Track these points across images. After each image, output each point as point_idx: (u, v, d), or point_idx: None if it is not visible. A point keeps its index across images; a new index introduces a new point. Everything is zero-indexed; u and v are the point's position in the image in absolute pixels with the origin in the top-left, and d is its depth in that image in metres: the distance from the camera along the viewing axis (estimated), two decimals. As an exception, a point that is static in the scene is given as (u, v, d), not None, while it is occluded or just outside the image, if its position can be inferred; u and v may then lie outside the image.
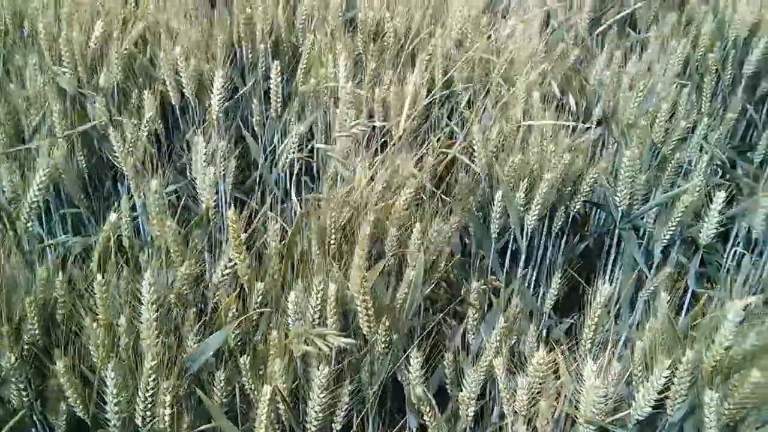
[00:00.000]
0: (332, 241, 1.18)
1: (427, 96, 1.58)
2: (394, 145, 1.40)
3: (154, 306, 0.97)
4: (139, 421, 0.95)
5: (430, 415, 1.03)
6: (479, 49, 1.63)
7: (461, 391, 1.03)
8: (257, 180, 1.54)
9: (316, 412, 0.98)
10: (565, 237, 1.47)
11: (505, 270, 1.41)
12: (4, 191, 1.24)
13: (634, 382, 0.98)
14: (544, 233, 1.44)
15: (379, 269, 1.09)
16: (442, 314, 1.25)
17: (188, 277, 1.09)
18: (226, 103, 1.46)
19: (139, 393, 0.94)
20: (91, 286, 1.01)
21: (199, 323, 1.05)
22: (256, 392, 1.02)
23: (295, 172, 1.52)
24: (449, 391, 1.12)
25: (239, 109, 1.66)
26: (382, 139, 1.48)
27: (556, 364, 0.98)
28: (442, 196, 1.38)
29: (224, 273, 1.10)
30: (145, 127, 1.43)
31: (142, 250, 1.17)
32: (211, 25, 1.65)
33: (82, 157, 1.48)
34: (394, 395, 1.18)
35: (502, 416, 1.01)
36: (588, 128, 1.63)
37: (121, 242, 1.20)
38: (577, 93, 1.70)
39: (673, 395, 0.92)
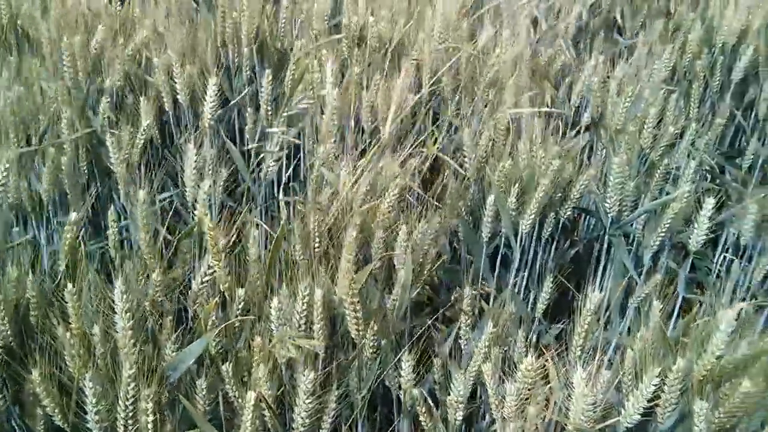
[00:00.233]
0: (317, 246, 1.17)
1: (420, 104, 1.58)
2: (377, 146, 1.39)
3: (128, 314, 0.96)
4: (121, 430, 0.93)
5: (426, 416, 1.02)
6: (464, 53, 1.63)
7: (450, 395, 1.02)
8: (248, 187, 1.52)
9: (302, 418, 0.97)
10: (555, 243, 1.46)
11: (495, 275, 1.40)
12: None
13: (624, 390, 0.97)
14: (534, 239, 1.43)
15: (367, 272, 1.08)
16: (431, 319, 1.24)
17: (162, 284, 1.07)
18: (219, 111, 1.45)
19: (120, 401, 0.92)
20: (62, 293, 0.99)
21: (179, 331, 1.03)
22: (240, 399, 1.00)
23: (284, 180, 1.51)
24: (438, 396, 1.11)
25: (227, 115, 1.65)
26: (368, 143, 1.47)
27: (546, 370, 0.97)
28: (430, 200, 1.38)
29: (204, 280, 1.09)
30: (142, 135, 1.41)
31: (127, 259, 1.16)
32: (195, 29, 1.64)
33: (84, 163, 1.47)
34: (383, 401, 1.17)
35: (492, 422, 1.00)
36: (577, 134, 1.63)
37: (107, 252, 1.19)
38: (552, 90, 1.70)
39: (663, 403, 0.91)
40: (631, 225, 1.39)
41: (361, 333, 1.03)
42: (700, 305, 1.33)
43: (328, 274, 1.05)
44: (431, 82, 1.58)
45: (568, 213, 1.40)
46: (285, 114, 1.53)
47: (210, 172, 1.35)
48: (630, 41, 2.07)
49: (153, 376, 0.93)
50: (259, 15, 1.62)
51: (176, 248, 1.15)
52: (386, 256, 1.14)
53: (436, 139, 1.54)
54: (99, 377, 0.93)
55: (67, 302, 0.98)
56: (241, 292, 1.05)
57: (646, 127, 1.51)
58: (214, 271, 1.07)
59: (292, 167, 1.54)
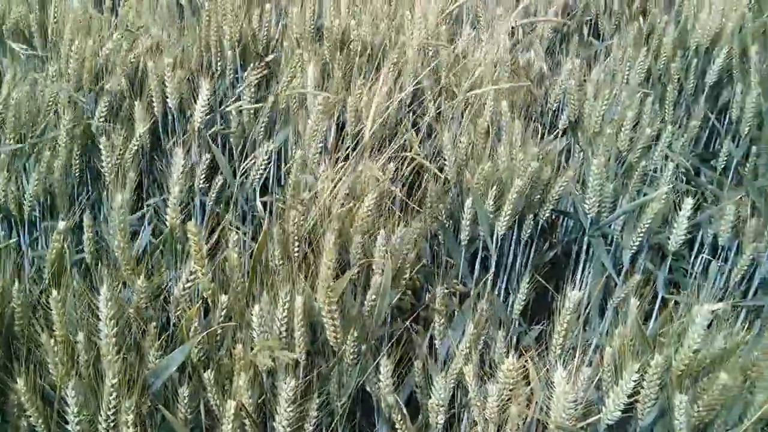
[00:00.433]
0: (296, 250, 1.17)
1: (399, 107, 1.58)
2: (355, 150, 1.39)
3: (113, 321, 0.95)
4: (102, 440, 0.93)
5: (401, 423, 1.02)
6: (444, 57, 1.64)
7: (431, 398, 1.02)
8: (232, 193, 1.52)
9: (283, 426, 0.96)
10: (533, 244, 1.47)
11: (474, 278, 1.41)
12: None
13: (604, 387, 0.97)
14: (513, 241, 1.44)
15: (346, 279, 1.08)
16: (408, 321, 1.24)
17: (146, 290, 1.07)
18: (208, 116, 1.45)
19: (101, 412, 0.92)
20: (47, 300, 0.99)
21: (162, 338, 1.03)
22: (221, 408, 1.00)
23: (271, 183, 1.51)
24: (419, 400, 1.11)
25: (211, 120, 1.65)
26: (348, 147, 1.47)
27: (526, 370, 0.97)
28: (411, 204, 1.38)
29: (186, 287, 1.09)
30: (137, 141, 1.41)
31: (103, 265, 1.15)
32: (182, 34, 1.64)
33: (76, 167, 1.46)
34: (364, 407, 1.17)
35: (474, 424, 1.00)
36: (555, 137, 1.64)
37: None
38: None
39: (642, 399, 0.92)
40: (610, 226, 1.40)
41: (339, 340, 1.03)
42: (677, 303, 1.35)
43: (308, 281, 1.05)
44: (412, 85, 1.59)
45: (547, 215, 1.41)
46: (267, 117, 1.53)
47: (200, 176, 1.35)
48: (605, 44, 2.09)
49: (135, 385, 0.92)
50: (242, 19, 1.62)
51: (153, 254, 1.15)
52: (365, 262, 1.14)
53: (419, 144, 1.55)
54: (82, 386, 0.92)
55: (51, 309, 0.97)
56: (224, 298, 1.05)
57: (623, 129, 1.52)
58: (197, 277, 1.07)
59: (275, 171, 1.54)
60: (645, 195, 1.45)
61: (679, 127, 1.80)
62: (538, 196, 1.39)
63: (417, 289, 1.43)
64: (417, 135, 1.56)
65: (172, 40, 1.61)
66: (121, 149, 1.40)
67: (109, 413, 0.92)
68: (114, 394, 0.91)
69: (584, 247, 1.42)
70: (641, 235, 1.33)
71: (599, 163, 1.32)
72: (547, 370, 0.94)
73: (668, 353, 0.93)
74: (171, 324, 1.10)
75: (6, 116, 1.38)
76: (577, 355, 0.95)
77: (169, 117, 1.54)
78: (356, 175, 1.26)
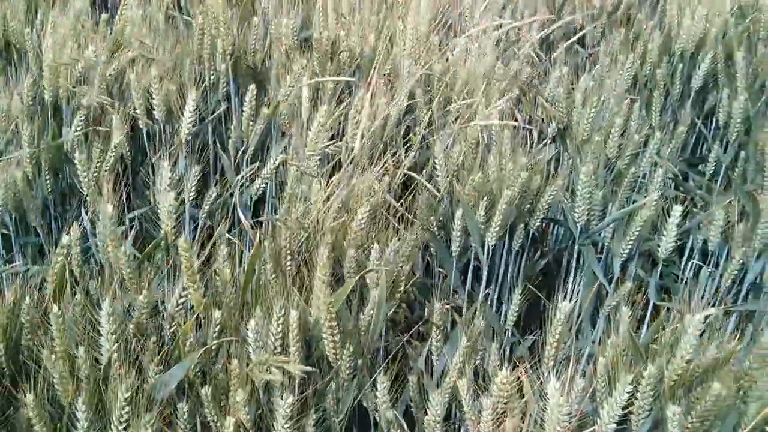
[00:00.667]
0: (289, 264, 1.17)
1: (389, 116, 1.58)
2: (349, 164, 1.40)
3: (114, 336, 0.96)
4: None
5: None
6: (434, 68, 1.64)
7: (427, 414, 1.02)
8: (222, 204, 1.52)
9: (281, 442, 0.97)
10: (524, 254, 1.48)
11: (467, 289, 1.41)
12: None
13: (598, 398, 0.98)
14: (504, 251, 1.44)
15: (345, 293, 1.08)
16: (407, 336, 1.24)
17: (147, 305, 1.07)
18: (195, 128, 1.45)
19: (112, 427, 0.93)
20: (46, 316, 0.99)
21: (161, 354, 1.03)
22: (218, 424, 1.00)
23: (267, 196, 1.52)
24: (415, 415, 1.11)
25: (202, 131, 1.65)
26: (335, 161, 1.47)
27: (520, 382, 0.98)
28: (405, 215, 1.38)
29: (179, 302, 1.09)
30: (112, 152, 1.40)
31: (93, 278, 1.15)
32: (174, 46, 1.65)
33: (47, 181, 1.45)
34: (360, 422, 1.17)
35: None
36: (544, 145, 1.65)
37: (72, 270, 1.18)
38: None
39: (636, 410, 0.93)
40: (600, 234, 1.41)
41: (338, 355, 1.03)
42: (668, 311, 1.36)
43: (303, 295, 1.06)
44: (403, 96, 1.60)
45: (537, 224, 1.41)
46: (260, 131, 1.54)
47: (190, 188, 1.35)
48: (591, 51, 2.10)
49: (148, 400, 0.93)
50: (235, 32, 1.62)
51: (140, 266, 1.15)
52: (362, 275, 1.14)
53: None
54: (90, 401, 0.93)
55: (51, 325, 0.98)
56: (217, 314, 1.05)
57: (611, 136, 1.53)
58: (189, 294, 1.07)
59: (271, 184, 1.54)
60: (634, 202, 1.46)
61: (666, 133, 1.81)
62: (529, 206, 1.40)
63: (411, 301, 1.44)
64: (409, 147, 1.57)
65: (164, 52, 1.61)
66: (98, 162, 1.39)
67: (120, 428, 0.92)
68: (126, 409, 0.92)
69: (575, 256, 1.43)
70: (631, 242, 1.34)
71: (588, 171, 1.33)
72: (541, 382, 0.94)
73: (661, 363, 0.93)
74: (164, 339, 1.10)
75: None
76: (570, 366, 0.95)
77: (150, 130, 1.54)
78: (350, 189, 1.26)
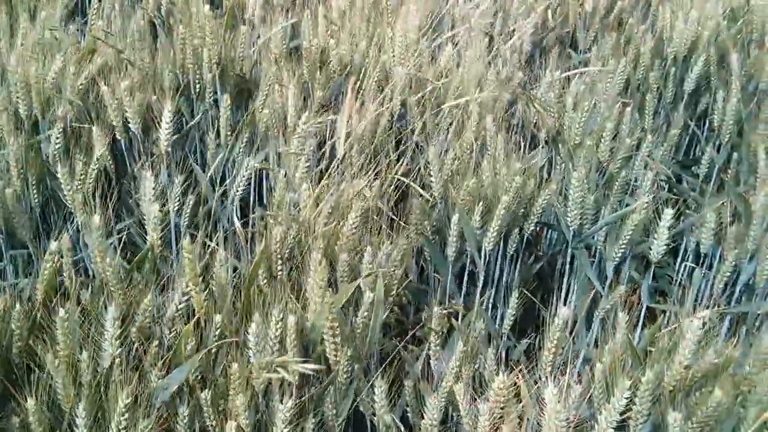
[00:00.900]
0: (280, 268, 1.17)
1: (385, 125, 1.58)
2: (339, 167, 1.40)
3: (118, 341, 0.95)
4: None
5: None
6: (426, 73, 1.64)
7: (423, 419, 1.02)
8: (208, 214, 1.51)
9: (280, 447, 0.97)
10: (519, 258, 1.48)
11: (462, 293, 1.41)
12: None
13: (595, 404, 0.98)
14: (499, 255, 1.44)
15: (345, 296, 1.08)
16: (403, 341, 1.24)
17: (151, 310, 1.07)
18: (175, 137, 1.44)
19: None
20: (47, 321, 0.99)
21: (163, 359, 1.03)
22: (218, 428, 1.00)
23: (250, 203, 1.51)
24: (411, 420, 1.11)
25: (188, 141, 1.64)
26: (325, 166, 1.47)
27: (517, 387, 0.98)
28: (397, 220, 1.38)
29: (179, 307, 1.09)
30: (95, 164, 1.40)
31: (84, 288, 1.15)
32: (154, 56, 1.64)
33: (34, 196, 1.45)
34: (356, 427, 1.17)
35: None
36: (536, 150, 1.65)
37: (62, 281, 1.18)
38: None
39: (635, 416, 0.93)
40: (593, 237, 1.41)
41: (338, 357, 1.03)
42: (664, 314, 1.36)
43: (300, 302, 1.06)
44: (393, 102, 1.60)
45: (532, 228, 1.42)
46: (246, 139, 1.53)
47: (174, 198, 1.34)
48: (584, 56, 2.11)
49: (147, 404, 0.92)
50: (220, 40, 1.62)
51: (130, 275, 1.15)
52: (362, 279, 1.14)
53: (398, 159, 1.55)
54: (90, 406, 0.92)
55: (57, 329, 0.98)
56: (218, 318, 1.05)
57: (603, 140, 1.53)
58: (190, 297, 1.07)
59: (255, 190, 1.54)
60: (627, 205, 1.47)
61: (659, 135, 1.82)
62: (523, 210, 1.40)
63: (404, 305, 1.44)
64: (403, 152, 1.57)
65: (143, 61, 1.60)
66: (81, 175, 1.38)
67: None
68: (125, 414, 0.92)
69: (569, 259, 1.43)
70: (624, 245, 1.34)
71: (580, 176, 1.33)
72: (538, 387, 0.94)
73: (659, 369, 0.93)
74: (165, 343, 1.10)
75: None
76: (567, 371, 0.95)
77: (127, 141, 1.54)
78: (339, 194, 1.26)
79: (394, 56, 1.67)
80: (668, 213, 1.26)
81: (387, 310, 1.21)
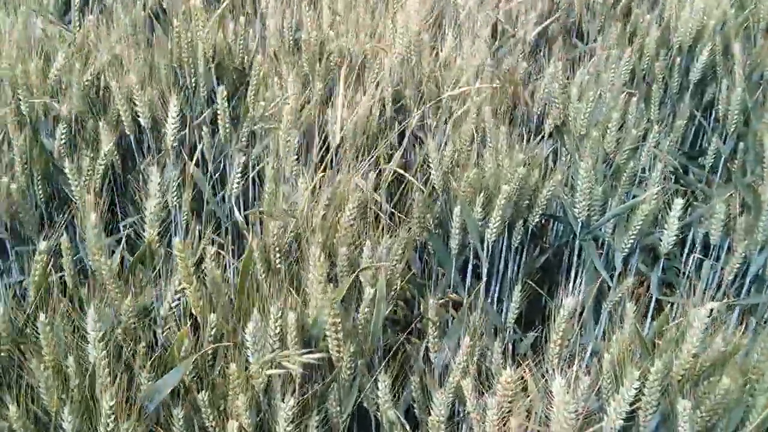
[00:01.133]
0: (279, 263, 1.15)
1: (380, 115, 1.57)
2: (333, 159, 1.38)
3: (102, 344, 0.93)
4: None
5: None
6: (426, 65, 1.62)
7: (429, 414, 1.00)
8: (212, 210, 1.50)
9: (283, 446, 0.95)
10: (524, 250, 1.46)
11: (466, 287, 1.39)
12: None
13: (604, 395, 0.96)
14: (503, 247, 1.42)
15: (344, 289, 1.06)
16: (405, 334, 1.22)
17: (134, 310, 1.05)
18: (182, 132, 1.42)
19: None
20: (33, 324, 0.97)
21: (152, 359, 1.01)
22: (218, 429, 0.98)
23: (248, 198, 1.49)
24: (417, 414, 1.09)
25: (186, 136, 1.62)
26: (327, 157, 1.45)
27: (524, 381, 0.96)
28: (398, 213, 1.37)
29: (172, 305, 1.07)
30: (102, 160, 1.38)
31: (83, 286, 1.13)
32: (151, 49, 1.62)
33: (39, 191, 1.43)
34: (360, 423, 1.15)
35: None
36: (540, 140, 1.63)
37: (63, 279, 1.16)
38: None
39: (644, 406, 0.91)
40: (601, 229, 1.39)
41: (341, 353, 1.01)
42: (672, 306, 1.34)
43: (300, 296, 1.04)
44: (387, 93, 1.58)
45: (537, 220, 1.40)
46: (246, 131, 1.51)
47: (174, 194, 1.32)
48: (589, 46, 2.08)
49: (133, 408, 0.90)
50: (215, 34, 1.60)
51: (132, 271, 1.13)
52: (358, 272, 1.12)
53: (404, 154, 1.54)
54: (76, 410, 0.91)
55: (39, 334, 0.95)
56: (213, 317, 1.03)
57: (609, 131, 1.51)
58: (182, 296, 1.05)
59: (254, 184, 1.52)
60: (634, 196, 1.45)
61: (665, 125, 1.80)
62: (527, 202, 1.38)
63: (409, 299, 1.42)
64: (400, 143, 1.56)
65: (138, 57, 1.58)
66: (88, 170, 1.37)
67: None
68: (112, 417, 0.90)
69: (576, 251, 1.41)
70: (633, 237, 1.32)
71: (587, 167, 1.31)
72: (546, 380, 0.92)
73: (667, 358, 0.92)
74: (159, 343, 1.08)
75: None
76: (575, 363, 0.93)
77: (134, 136, 1.52)
78: (335, 186, 1.24)
79: (394, 47, 1.64)
80: (678, 203, 1.24)
81: (390, 305, 1.19)
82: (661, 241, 1.27)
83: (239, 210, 1.42)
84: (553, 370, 0.98)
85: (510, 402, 0.93)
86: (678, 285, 1.53)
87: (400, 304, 1.39)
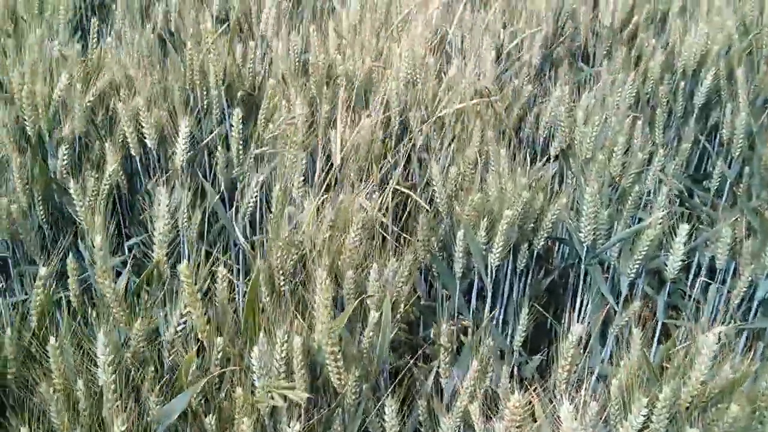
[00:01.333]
0: (283, 286, 1.15)
1: (384, 136, 1.57)
2: (339, 180, 1.38)
3: (111, 367, 0.93)
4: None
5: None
6: (430, 88, 1.63)
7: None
8: (219, 230, 1.50)
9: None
10: (529, 273, 1.46)
11: (471, 310, 1.39)
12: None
13: (611, 421, 0.96)
14: (509, 271, 1.42)
15: (344, 319, 1.06)
16: (413, 358, 1.22)
17: (143, 333, 1.05)
18: (190, 153, 1.43)
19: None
20: (41, 346, 0.97)
21: (161, 383, 1.01)
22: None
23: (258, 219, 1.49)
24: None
25: (197, 156, 1.63)
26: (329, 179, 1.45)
27: (532, 405, 0.95)
28: (403, 234, 1.37)
29: (178, 329, 1.06)
30: (107, 180, 1.38)
31: (90, 306, 1.13)
32: (164, 72, 1.63)
33: (41, 211, 1.43)
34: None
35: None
36: (546, 163, 1.63)
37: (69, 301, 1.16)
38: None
39: (652, 433, 0.91)
40: (606, 253, 1.39)
41: (343, 381, 1.01)
42: (677, 329, 1.34)
43: (306, 320, 1.04)
44: (390, 113, 1.58)
45: (542, 243, 1.40)
46: (255, 153, 1.52)
47: (183, 214, 1.32)
48: (595, 69, 2.09)
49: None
50: (226, 56, 1.61)
51: (137, 294, 1.13)
52: (361, 299, 1.12)
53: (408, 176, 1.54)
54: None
55: (49, 357, 0.95)
56: (219, 341, 1.02)
57: (614, 154, 1.52)
58: (187, 320, 1.05)
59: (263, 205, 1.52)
60: (640, 219, 1.45)
61: (670, 150, 1.80)
62: (532, 225, 1.38)
63: (411, 322, 1.42)
64: (406, 166, 1.56)
65: (152, 78, 1.59)
66: (93, 191, 1.37)
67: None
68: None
69: (581, 274, 1.41)
70: (638, 261, 1.32)
71: (593, 191, 1.31)
72: (554, 405, 0.92)
73: (675, 385, 0.91)
74: (165, 366, 1.07)
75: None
76: (583, 389, 0.93)
77: (141, 157, 1.52)
78: (338, 207, 1.24)
79: (399, 71, 1.65)
80: (684, 228, 1.24)
81: (395, 329, 1.19)
82: (667, 265, 1.27)
83: (247, 230, 1.42)
84: (561, 395, 0.98)
85: (518, 427, 0.92)
86: (684, 308, 1.52)
87: (403, 327, 1.39)
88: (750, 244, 1.38)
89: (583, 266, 1.38)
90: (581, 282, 1.41)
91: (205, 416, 0.97)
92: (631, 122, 1.61)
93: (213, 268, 1.10)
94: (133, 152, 1.50)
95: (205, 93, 1.60)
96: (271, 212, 1.26)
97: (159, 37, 1.84)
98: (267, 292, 1.14)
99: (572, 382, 1.03)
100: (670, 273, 1.27)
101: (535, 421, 0.95)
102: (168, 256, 1.17)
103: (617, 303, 1.36)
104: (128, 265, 1.25)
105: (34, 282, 1.45)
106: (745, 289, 1.39)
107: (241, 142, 1.48)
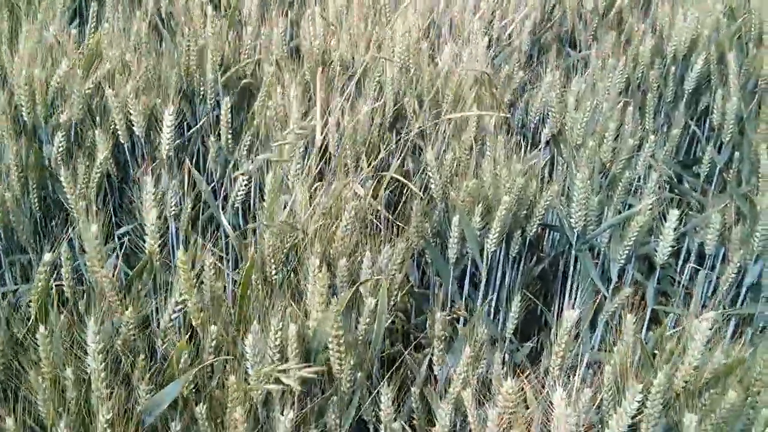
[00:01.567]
0: (274, 273, 1.15)
1: (380, 124, 1.57)
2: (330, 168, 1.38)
3: (101, 356, 0.93)
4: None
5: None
6: (426, 75, 1.63)
7: (430, 425, 1.00)
8: (209, 219, 1.49)
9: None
10: (521, 260, 1.46)
11: (464, 297, 1.39)
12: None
13: (604, 408, 0.96)
14: (501, 258, 1.43)
15: (344, 302, 1.06)
16: (409, 347, 1.22)
17: (134, 321, 1.05)
18: (177, 141, 1.42)
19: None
20: (32, 336, 0.96)
21: (151, 371, 1.01)
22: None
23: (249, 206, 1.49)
24: (416, 426, 1.10)
25: (190, 143, 1.62)
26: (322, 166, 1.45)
27: (524, 392, 0.96)
28: (396, 222, 1.37)
29: (172, 317, 1.06)
30: (98, 168, 1.38)
31: (83, 297, 1.12)
32: (159, 58, 1.62)
33: (35, 199, 1.42)
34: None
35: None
36: (538, 151, 1.63)
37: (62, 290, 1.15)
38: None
39: (646, 419, 0.91)
40: (597, 239, 1.40)
41: (343, 367, 1.01)
42: (666, 315, 1.35)
43: (300, 307, 1.04)
44: (385, 99, 1.58)
45: (534, 230, 1.40)
46: (248, 141, 1.51)
47: (171, 203, 1.32)
48: (582, 54, 2.09)
49: (130, 421, 0.90)
50: (223, 42, 1.60)
51: (130, 284, 1.13)
52: (359, 284, 1.12)
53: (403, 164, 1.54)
54: (73, 423, 0.90)
55: (38, 346, 0.95)
56: (213, 329, 1.02)
57: (605, 140, 1.52)
58: (183, 307, 1.04)
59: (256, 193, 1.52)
60: (630, 205, 1.45)
61: (660, 135, 1.81)
62: (525, 212, 1.39)
63: (406, 310, 1.42)
64: (401, 152, 1.56)
65: (147, 65, 1.58)
66: (84, 179, 1.37)
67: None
68: (108, 431, 0.89)
69: (572, 261, 1.41)
70: (628, 247, 1.33)
71: (583, 177, 1.32)
72: (548, 392, 0.92)
73: (669, 371, 0.92)
74: (158, 354, 1.07)
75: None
76: (576, 375, 0.94)
77: (130, 145, 1.52)
78: (331, 195, 1.24)
79: (393, 55, 1.65)
80: (674, 214, 1.25)
81: (390, 318, 1.19)
82: (657, 251, 1.28)
83: (239, 218, 1.42)
84: (554, 381, 0.98)
85: (511, 413, 0.93)
86: (673, 294, 1.53)
87: (398, 315, 1.39)
88: (739, 230, 1.39)
89: (573, 252, 1.38)
90: (571, 269, 1.42)
91: (196, 405, 0.97)
92: (621, 108, 1.61)
93: (204, 257, 1.09)
94: (122, 140, 1.49)
95: (201, 79, 1.59)
96: (263, 201, 1.25)
97: (152, 25, 1.82)
98: (257, 280, 1.14)
99: (565, 369, 1.03)
100: (660, 259, 1.28)
101: (528, 408, 0.95)
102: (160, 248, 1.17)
103: (607, 289, 1.36)
104: (120, 255, 1.24)
105: (25, 272, 1.45)
106: (734, 275, 1.40)
107: (229, 133, 1.48)
